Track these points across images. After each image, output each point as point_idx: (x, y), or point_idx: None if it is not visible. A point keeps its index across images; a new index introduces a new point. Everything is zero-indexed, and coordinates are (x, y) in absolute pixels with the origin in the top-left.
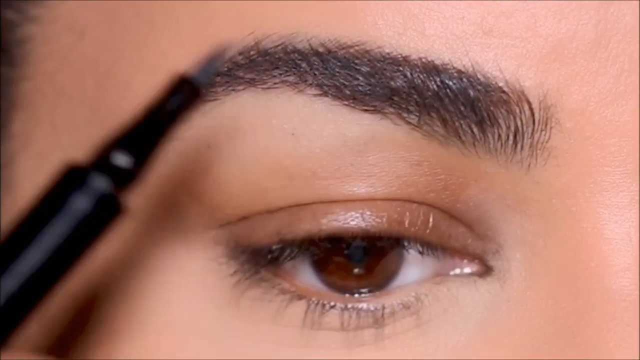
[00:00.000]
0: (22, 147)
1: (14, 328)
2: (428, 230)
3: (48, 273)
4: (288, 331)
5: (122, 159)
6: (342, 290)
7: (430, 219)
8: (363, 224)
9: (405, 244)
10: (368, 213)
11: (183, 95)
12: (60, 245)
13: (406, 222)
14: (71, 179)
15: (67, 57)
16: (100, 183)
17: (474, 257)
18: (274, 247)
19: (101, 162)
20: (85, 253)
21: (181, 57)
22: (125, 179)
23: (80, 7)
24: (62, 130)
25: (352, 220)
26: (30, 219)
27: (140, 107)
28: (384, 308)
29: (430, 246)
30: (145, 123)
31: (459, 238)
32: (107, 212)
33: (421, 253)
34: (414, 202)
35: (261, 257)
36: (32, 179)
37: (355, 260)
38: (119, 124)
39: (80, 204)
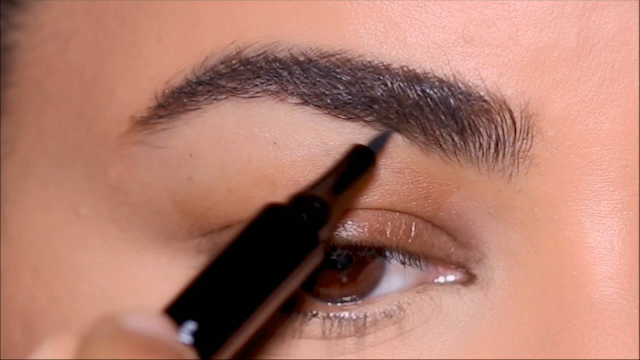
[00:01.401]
0: (8, 153)
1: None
2: (410, 240)
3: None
4: (270, 339)
5: (316, 203)
6: (325, 298)
7: (413, 229)
8: (344, 234)
9: (387, 254)
10: (350, 223)
11: (360, 160)
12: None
13: (388, 232)
14: (274, 214)
15: (53, 63)
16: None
17: (457, 265)
18: None
19: (299, 203)
20: (287, 279)
21: (165, 65)
22: (320, 218)
23: (65, 14)
24: (48, 137)
25: (334, 230)
26: (239, 244)
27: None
28: (366, 317)
29: (413, 256)
30: (330, 180)
31: (442, 247)
32: (307, 243)
33: (403, 263)
34: (396, 211)
35: None
36: (19, 185)
37: (339, 268)
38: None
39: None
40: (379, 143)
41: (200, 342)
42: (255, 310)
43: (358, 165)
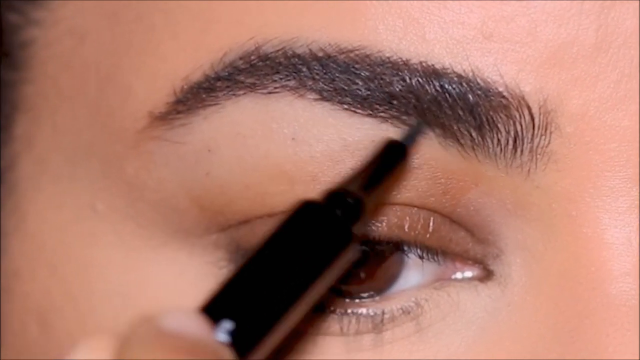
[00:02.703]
0: (24, 150)
1: (253, 348)
2: (428, 235)
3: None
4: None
5: (349, 199)
6: (343, 294)
7: (431, 223)
8: (363, 228)
9: (405, 248)
10: (368, 217)
11: (392, 154)
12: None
13: (406, 226)
14: (308, 211)
15: (69, 60)
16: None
17: (474, 261)
18: None
19: (333, 199)
20: (323, 275)
21: (181, 61)
22: (353, 214)
23: (81, 11)
24: (63, 133)
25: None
26: (276, 242)
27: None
28: (383, 313)
29: (431, 250)
30: (362, 175)
31: (459, 242)
32: (342, 239)
33: (421, 257)
34: (414, 206)
35: None
36: (34, 181)
37: (357, 264)
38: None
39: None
40: (411, 136)
41: (237, 340)
42: (291, 308)
43: (390, 159)
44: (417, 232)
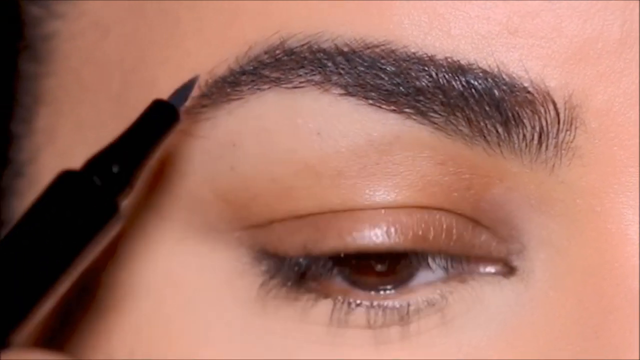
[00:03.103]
0: (46, 143)
1: (16, 326)
2: (452, 243)
3: (53, 261)
4: (315, 329)
5: (114, 168)
6: (366, 286)
7: (454, 231)
8: (388, 242)
9: (430, 260)
10: (393, 230)
11: (163, 116)
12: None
13: (430, 237)
14: (69, 180)
15: (92, 53)
16: (95, 184)
17: (498, 260)
18: (301, 259)
19: (94, 168)
20: (84, 250)
21: (205, 55)
22: (115, 184)
23: (105, 4)
24: (87, 126)
25: (377, 238)
26: (31, 217)
27: (125, 127)
28: (409, 305)
29: (454, 259)
30: (130, 139)
31: (482, 246)
32: (103, 210)
33: (445, 269)
34: (437, 208)
35: (287, 268)
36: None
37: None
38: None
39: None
40: (182, 95)
41: None
42: (48, 288)
43: (159, 121)
44: (441, 242)
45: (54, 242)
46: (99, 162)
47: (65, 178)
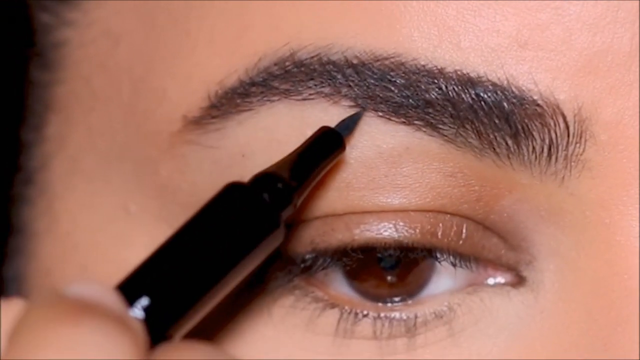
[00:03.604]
0: (56, 150)
1: (175, 322)
2: (461, 241)
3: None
4: (321, 339)
5: (279, 183)
6: (374, 298)
7: (464, 230)
8: (396, 235)
9: (438, 255)
10: (401, 224)
11: (329, 143)
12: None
13: (439, 233)
14: (237, 193)
15: (103, 61)
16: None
17: (507, 268)
18: (307, 256)
19: (260, 183)
20: (246, 258)
21: (216, 65)
22: (282, 199)
23: (116, 13)
24: (97, 134)
25: (385, 230)
26: (199, 221)
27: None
28: (416, 317)
29: (463, 257)
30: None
31: (492, 249)
32: (268, 223)
33: (454, 265)
34: (447, 213)
35: (294, 266)
36: (67, 181)
37: (388, 268)
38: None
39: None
40: (349, 125)
41: (151, 317)
42: (211, 289)
43: (325, 147)
44: (450, 238)
45: (218, 246)
46: (267, 179)
47: (233, 190)
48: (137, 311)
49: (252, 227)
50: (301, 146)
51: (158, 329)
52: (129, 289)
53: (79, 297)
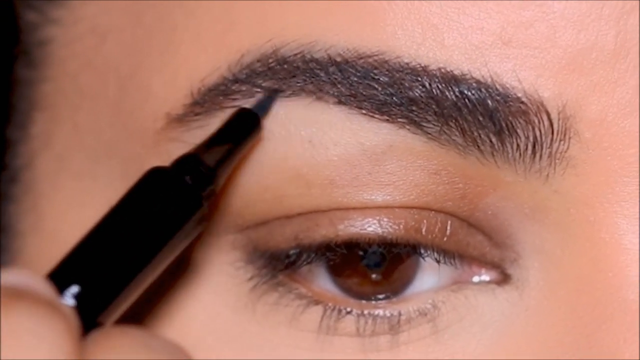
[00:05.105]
0: (42, 148)
1: (104, 309)
2: (445, 238)
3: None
4: (304, 336)
5: (201, 167)
6: (359, 296)
7: (448, 227)
8: (380, 230)
9: (422, 251)
10: (385, 219)
11: (245, 124)
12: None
13: (423, 230)
14: (159, 176)
15: (89, 59)
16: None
17: (492, 265)
18: (292, 251)
19: (182, 166)
20: (171, 241)
21: (201, 62)
22: (202, 182)
23: (103, 10)
24: (84, 131)
25: (369, 226)
26: (124, 206)
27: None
28: (400, 314)
29: (448, 254)
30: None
31: (477, 246)
32: (190, 203)
33: (438, 261)
34: (431, 210)
35: (278, 262)
36: (53, 179)
37: (372, 266)
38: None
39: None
40: (265, 106)
41: (83, 304)
42: (139, 274)
43: (242, 127)
44: (434, 235)
45: (144, 230)
46: (188, 161)
47: (155, 174)
48: (68, 299)
49: (176, 209)
50: (220, 127)
51: (89, 315)
52: (59, 277)
53: (9, 284)
